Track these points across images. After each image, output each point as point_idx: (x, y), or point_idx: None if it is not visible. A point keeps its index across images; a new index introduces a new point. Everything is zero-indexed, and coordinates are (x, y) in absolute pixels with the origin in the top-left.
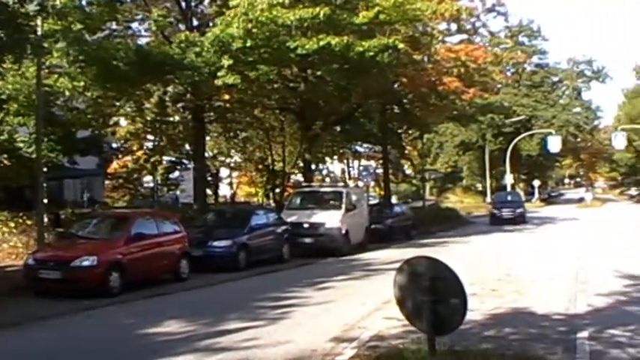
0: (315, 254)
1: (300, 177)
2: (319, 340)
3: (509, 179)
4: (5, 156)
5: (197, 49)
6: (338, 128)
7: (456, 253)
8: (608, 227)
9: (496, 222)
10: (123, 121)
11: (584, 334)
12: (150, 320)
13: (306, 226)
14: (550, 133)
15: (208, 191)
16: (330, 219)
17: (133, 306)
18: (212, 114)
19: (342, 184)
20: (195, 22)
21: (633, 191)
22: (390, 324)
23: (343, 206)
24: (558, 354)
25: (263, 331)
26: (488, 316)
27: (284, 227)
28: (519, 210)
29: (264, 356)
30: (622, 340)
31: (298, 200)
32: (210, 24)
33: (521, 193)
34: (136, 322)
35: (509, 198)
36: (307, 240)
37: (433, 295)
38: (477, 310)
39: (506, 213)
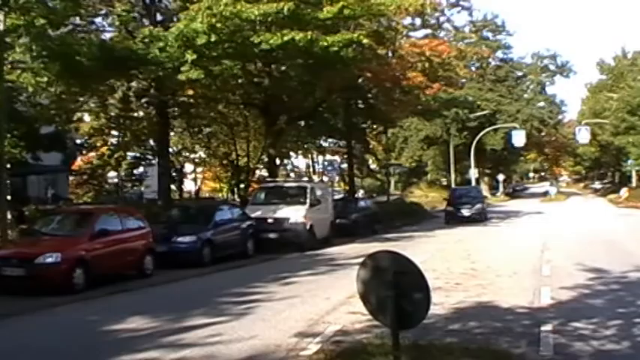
0: (280, 249)
1: (264, 172)
2: (283, 335)
3: (473, 173)
4: None
5: (161, 44)
6: (302, 123)
7: (420, 248)
8: (573, 221)
9: (452, 221)
10: (87, 117)
11: (548, 327)
12: (114, 317)
13: (270, 221)
14: (514, 128)
15: (173, 187)
16: (295, 214)
17: (97, 302)
18: (176, 109)
19: (306, 179)
20: (159, 17)
21: (597, 185)
22: (354, 319)
23: (307, 201)
24: (522, 347)
25: (227, 326)
26: (452, 310)
27: (248, 223)
28: (478, 206)
29: (229, 352)
30: (585, 332)
31: (262, 195)
32: (175, 19)
33: (483, 188)
34: (100, 318)
35: (467, 193)
36: (272, 235)
37: (396, 290)
38: (442, 304)
39: (463, 211)
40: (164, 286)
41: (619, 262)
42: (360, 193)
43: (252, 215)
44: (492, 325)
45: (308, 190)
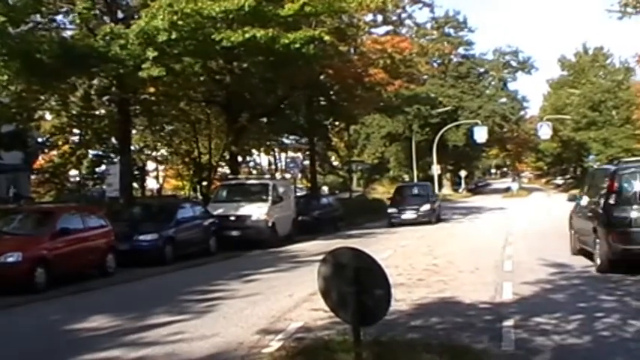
0: (243, 247)
1: (227, 170)
2: (246, 332)
3: (435, 170)
4: None
5: (122, 42)
6: (264, 120)
7: (383, 244)
8: (535, 216)
9: (394, 225)
10: (48, 115)
11: (510, 322)
12: (76, 316)
13: (232, 218)
14: (476, 124)
15: (135, 185)
16: (257, 211)
17: (59, 302)
18: (138, 107)
19: (268, 176)
20: (120, 15)
21: (559, 180)
22: (316, 315)
23: (270, 198)
24: (484, 342)
25: (189, 324)
26: (415, 306)
27: (211, 220)
28: (426, 208)
29: (191, 350)
30: (547, 327)
31: (225, 193)
32: (136, 16)
33: (445, 184)
34: (62, 317)
35: (412, 192)
36: (234, 233)
37: (357, 286)
38: (404, 300)
39: (407, 213)
40: (126, 285)
41: (580, 257)
42: (325, 190)
43: (215, 213)
44: (454, 321)
45: (270, 188)
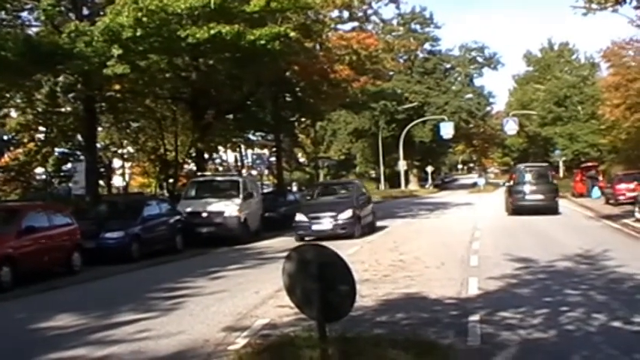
0: (214, 243)
1: (193, 166)
2: (212, 330)
3: (402, 165)
4: None
5: (87, 39)
6: (230, 117)
7: (348, 240)
8: (501, 212)
9: (305, 240)
10: (13, 113)
11: (476, 317)
12: (42, 314)
13: (204, 215)
14: (442, 120)
15: (101, 182)
16: (229, 208)
17: (25, 300)
18: (103, 104)
19: (233, 172)
20: (85, 11)
21: None
22: (282, 312)
23: (241, 195)
24: (450, 338)
25: (156, 322)
26: (380, 302)
27: (177, 217)
28: (347, 215)
29: (157, 347)
30: (513, 322)
31: (195, 190)
32: (101, 13)
33: (360, 184)
34: (28, 316)
35: (333, 193)
36: (206, 229)
37: (322, 283)
38: (370, 296)
39: (321, 222)
40: (92, 283)
41: (546, 252)
42: (294, 187)
43: (186, 210)
44: (420, 316)
45: (240, 184)
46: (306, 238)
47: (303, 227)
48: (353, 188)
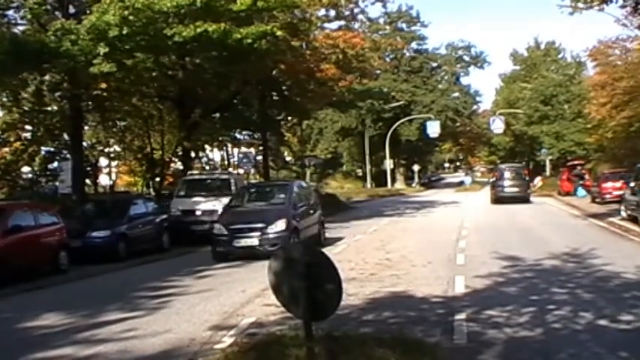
0: (206, 242)
1: (180, 165)
2: (198, 328)
3: (388, 164)
4: None
5: (73, 37)
6: (217, 116)
7: (334, 239)
8: (487, 210)
9: (224, 258)
10: None
11: (462, 315)
12: (28, 314)
13: (199, 213)
14: (429, 118)
15: (88, 181)
16: (223, 205)
17: (11, 300)
18: (90, 103)
19: (219, 171)
20: (71, 10)
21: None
22: (269, 311)
23: (233, 192)
24: (436, 336)
25: (142, 321)
26: (367, 300)
27: (164, 216)
28: (279, 228)
29: (143, 346)
30: (499, 320)
31: (187, 188)
32: (87, 11)
33: (303, 185)
34: (14, 316)
35: (260, 205)
36: (202, 227)
37: (308, 281)
38: (357, 294)
39: (245, 237)
40: (79, 282)
41: (533, 250)
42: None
43: (180, 208)
44: (407, 315)
45: (232, 182)
46: (223, 257)
47: (222, 242)
48: (292, 191)
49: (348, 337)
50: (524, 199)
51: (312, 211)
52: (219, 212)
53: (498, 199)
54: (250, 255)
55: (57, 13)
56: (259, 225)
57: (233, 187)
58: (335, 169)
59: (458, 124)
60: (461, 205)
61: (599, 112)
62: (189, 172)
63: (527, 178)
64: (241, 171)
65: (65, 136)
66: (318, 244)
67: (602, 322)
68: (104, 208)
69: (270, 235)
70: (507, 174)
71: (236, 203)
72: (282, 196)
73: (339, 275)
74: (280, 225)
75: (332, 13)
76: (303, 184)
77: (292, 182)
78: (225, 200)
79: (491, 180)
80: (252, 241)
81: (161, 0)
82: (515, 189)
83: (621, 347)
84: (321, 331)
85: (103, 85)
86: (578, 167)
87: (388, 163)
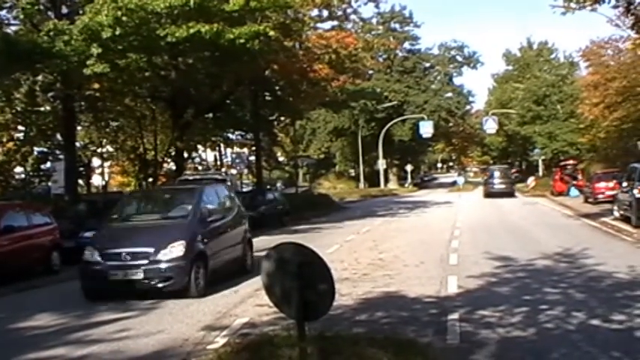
0: None
1: (172, 166)
2: (191, 329)
3: (381, 164)
4: None
5: (66, 38)
6: (210, 116)
7: (328, 239)
8: (480, 210)
9: (94, 296)
10: None
11: (455, 315)
12: (21, 314)
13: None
14: (422, 118)
15: (80, 182)
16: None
17: (4, 300)
18: (83, 103)
19: (212, 171)
20: (64, 10)
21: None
22: (261, 311)
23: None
24: (429, 336)
25: (135, 321)
26: (360, 300)
27: None
28: (173, 254)
29: (136, 347)
30: (492, 320)
31: None
32: (80, 12)
33: (219, 189)
34: (7, 316)
35: (151, 220)
36: None
37: (301, 281)
38: (349, 295)
39: (121, 270)
40: (71, 282)
41: (525, 250)
42: (278, 186)
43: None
44: (399, 315)
45: (228, 182)
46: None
47: (93, 274)
48: (201, 200)
49: (341, 338)
50: (510, 194)
51: (231, 228)
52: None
53: (489, 194)
54: (134, 291)
55: (50, 13)
56: (145, 250)
57: (232, 187)
58: (328, 170)
59: (451, 124)
60: (454, 205)
61: (592, 112)
62: (183, 173)
63: (513, 177)
64: (234, 171)
65: (58, 137)
66: (244, 267)
67: (595, 321)
68: (97, 209)
69: (162, 265)
70: (497, 174)
71: (119, 216)
72: (186, 206)
73: (331, 275)
74: (176, 250)
75: (325, 13)
76: (222, 189)
77: (204, 186)
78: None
79: (483, 179)
80: (135, 272)
81: (154, 0)
82: (503, 186)
83: (613, 347)
84: (313, 332)
85: (96, 86)
86: (569, 167)
87: (381, 164)
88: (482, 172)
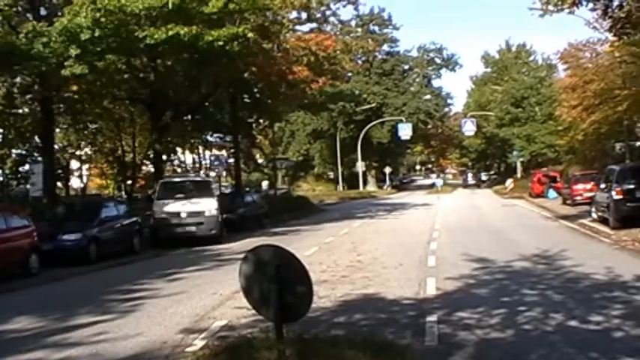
0: (192, 244)
1: (151, 168)
2: (169, 331)
3: (360, 166)
4: None
5: (44, 40)
6: (188, 118)
7: (307, 241)
8: (459, 212)
9: None
10: None
11: (433, 317)
12: None
13: (184, 215)
14: (401, 121)
15: (59, 184)
16: (208, 206)
17: None
18: (61, 105)
19: (192, 174)
20: (43, 12)
21: (483, 176)
22: (240, 313)
23: (215, 195)
24: (407, 338)
25: (113, 324)
26: (338, 302)
27: (134, 219)
28: None
29: (114, 350)
30: (470, 322)
31: (167, 190)
32: (59, 13)
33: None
34: None
35: None
36: (188, 229)
37: (279, 284)
38: (328, 297)
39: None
40: (50, 285)
41: (504, 252)
42: (264, 186)
43: (165, 209)
44: (378, 317)
45: (213, 185)
46: None
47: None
48: (214, 187)
49: (319, 340)
50: (477, 186)
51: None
52: (212, 212)
53: (465, 186)
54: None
55: (28, 15)
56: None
57: (214, 190)
58: (307, 172)
59: (429, 126)
60: (432, 207)
61: (570, 115)
62: (165, 175)
63: (481, 178)
64: (213, 174)
65: (36, 139)
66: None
67: (573, 322)
68: (75, 211)
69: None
70: (469, 175)
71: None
72: (208, 190)
73: (309, 277)
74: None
75: (304, 15)
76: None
77: (212, 180)
78: (202, 202)
79: (462, 178)
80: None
81: (133, 2)
82: (473, 182)
83: (591, 348)
84: (292, 334)
85: (74, 88)
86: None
87: (360, 166)
88: (460, 175)
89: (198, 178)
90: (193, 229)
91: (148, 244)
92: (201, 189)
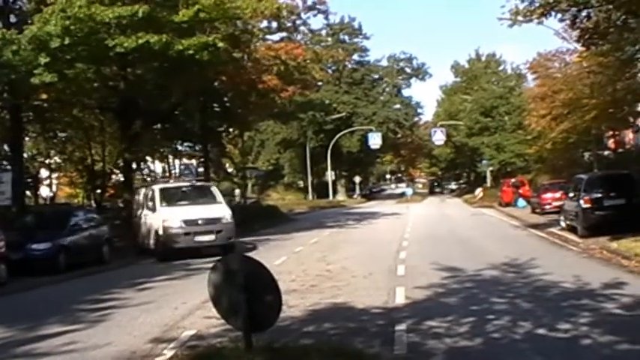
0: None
1: (121, 177)
2: (138, 341)
3: (330, 176)
4: None
5: (14, 47)
6: (158, 127)
7: (277, 251)
8: (429, 221)
9: None
10: None
11: (403, 326)
12: None
13: (200, 222)
14: (370, 130)
15: (28, 193)
16: (223, 213)
17: None
18: (30, 113)
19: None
20: (12, 19)
21: (453, 185)
22: (209, 323)
23: (223, 200)
24: (376, 347)
25: (82, 334)
26: (308, 312)
27: (104, 228)
28: None
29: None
30: (439, 331)
31: (168, 197)
32: (29, 21)
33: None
34: None
35: None
36: (208, 237)
37: (247, 293)
38: (297, 306)
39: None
40: (18, 295)
41: (473, 261)
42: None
43: (173, 217)
44: (347, 326)
45: (215, 191)
46: None
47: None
48: (216, 192)
49: (289, 349)
50: (441, 193)
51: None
52: (228, 218)
53: (431, 192)
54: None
55: None
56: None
57: (219, 196)
58: (276, 181)
59: (399, 135)
60: (402, 216)
61: (539, 124)
62: (132, 184)
63: (444, 185)
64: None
65: (5, 147)
66: None
67: (541, 330)
68: (44, 220)
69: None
70: (435, 183)
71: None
72: (213, 196)
73: (277, 286)
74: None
75: (274, 24)
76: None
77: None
78: (214, 208)
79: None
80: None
81: (103, 11)
82: (439, 189)
83: (559, 355)
84: (261, 343)
85: (44, 96)
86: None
87: (330, 175)
88: (429, 183)
89: (198, 183)
90: (212, 237)
91: (132, 254)
92: (205, 194)
